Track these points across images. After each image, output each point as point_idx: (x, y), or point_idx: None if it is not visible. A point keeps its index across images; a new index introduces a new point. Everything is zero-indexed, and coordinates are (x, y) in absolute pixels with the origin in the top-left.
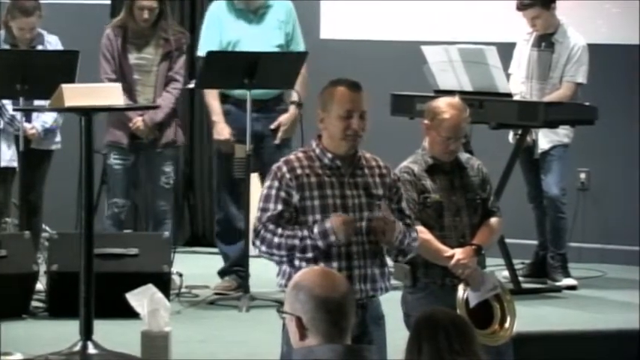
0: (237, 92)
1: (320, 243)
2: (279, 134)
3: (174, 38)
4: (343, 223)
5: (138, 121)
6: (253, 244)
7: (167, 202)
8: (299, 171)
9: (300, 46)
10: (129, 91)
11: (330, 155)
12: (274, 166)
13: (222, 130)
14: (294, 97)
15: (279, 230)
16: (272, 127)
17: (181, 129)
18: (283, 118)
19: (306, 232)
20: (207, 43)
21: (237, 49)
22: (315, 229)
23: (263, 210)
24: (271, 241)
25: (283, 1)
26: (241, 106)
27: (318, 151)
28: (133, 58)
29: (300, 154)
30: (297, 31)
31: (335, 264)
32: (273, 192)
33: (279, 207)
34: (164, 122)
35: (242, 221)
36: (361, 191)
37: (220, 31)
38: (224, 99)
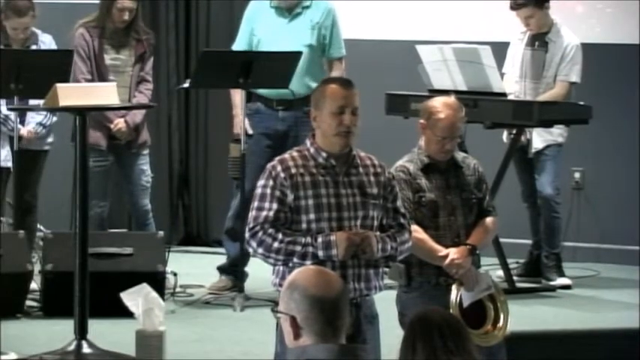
0: (263, 91)
1: (321, 253)
2: None
3: (145, 39)
4: (347, 239)
5: (120, 122)
6: (247, 242)
7: (148, 201)
8: (293, 170)
9: (338, 49)
10: None
11: (324, 154)
12: (268, 165)
13: (238, 125)
14: None
15: (280, 235)
16: None
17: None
18: None
19: (308, 240)
20: (238, 41)
21: (262, 46)
22: (319, 239)
23: (258, 209)
24: (270, 245)
25: (324, 1)
26: (270, 106)
27: (312, 150)
28: (108, 58)
29: (295, 154)
30: (335, 34)
31: (329, 262)
32: (268, 191)
33: (275, 206)
34: (140, 123)
35: None
36: (356, 190)
37: (252, 28)
38: (250, 96)
